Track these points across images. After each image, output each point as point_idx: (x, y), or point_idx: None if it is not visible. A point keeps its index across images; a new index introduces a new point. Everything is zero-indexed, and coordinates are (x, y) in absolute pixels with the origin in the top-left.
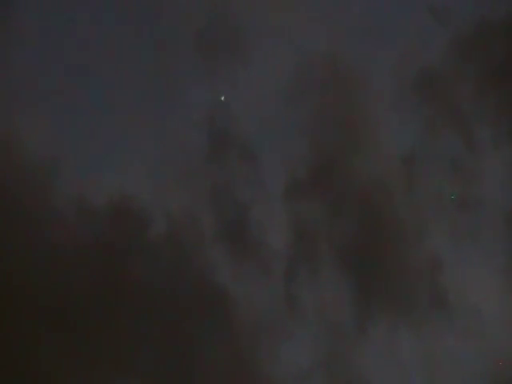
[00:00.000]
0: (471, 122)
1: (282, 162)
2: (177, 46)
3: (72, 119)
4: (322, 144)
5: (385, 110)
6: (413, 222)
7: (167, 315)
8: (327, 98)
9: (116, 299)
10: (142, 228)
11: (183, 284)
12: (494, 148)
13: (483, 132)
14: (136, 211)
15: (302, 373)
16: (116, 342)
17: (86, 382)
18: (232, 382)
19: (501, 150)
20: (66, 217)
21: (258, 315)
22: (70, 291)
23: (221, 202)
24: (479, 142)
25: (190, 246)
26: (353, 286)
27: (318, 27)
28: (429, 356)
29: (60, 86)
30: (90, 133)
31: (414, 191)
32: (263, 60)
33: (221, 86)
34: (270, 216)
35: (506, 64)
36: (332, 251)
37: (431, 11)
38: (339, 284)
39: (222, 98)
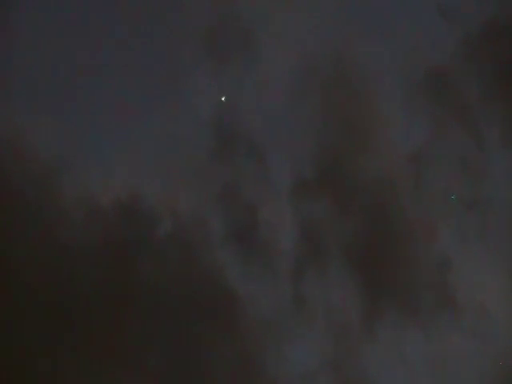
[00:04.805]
0: (480, 122)
1: (290, 161)
2: (184, 46)
3: (79, 119)
4: (330, 143)
5: (393, 109)
6: (421, 221)
7: (175, 315)
8: (335, 97)
9: (124, 299)
10: (150, 228)
11: (191, 284)
12: (502, 147)
13: (492, 131)
14: (144, 211)
15: (309, 373)
16: (123, 341)
17: (93, 383)
18: (239, 382)
19: (509, 150)
20: (74, 216)
21: (266, 315)
22: (78, 291)
23: (228, 202)
24: (488, 141)
25: (198, 245)
26: (360, 286)
27: (326, 26)
28: (436, 356)
29: (67, 85)
30: (97, 132)
31: (421, 190)
32: (271, 59)
33: (228, 85)
34: (278, 215)
35: None
36: (340, 251)
37: (440, 10)
38: (347, 284)
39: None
